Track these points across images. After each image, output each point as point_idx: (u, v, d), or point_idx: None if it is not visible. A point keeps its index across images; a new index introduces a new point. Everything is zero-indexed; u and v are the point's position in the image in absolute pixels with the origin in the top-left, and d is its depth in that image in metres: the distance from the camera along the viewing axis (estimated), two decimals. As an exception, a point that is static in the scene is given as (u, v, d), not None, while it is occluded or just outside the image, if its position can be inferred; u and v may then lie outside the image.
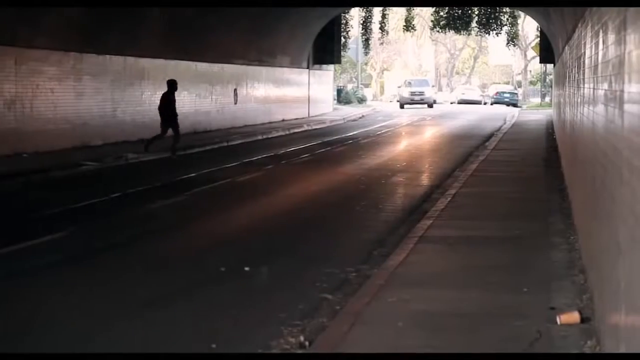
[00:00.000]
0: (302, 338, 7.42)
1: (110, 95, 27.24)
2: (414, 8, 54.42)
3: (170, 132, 24.19)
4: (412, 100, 62.29)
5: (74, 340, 7.60)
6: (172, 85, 24.84)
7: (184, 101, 32.36)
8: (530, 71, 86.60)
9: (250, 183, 19.00)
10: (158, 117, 30.08)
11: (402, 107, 61.73)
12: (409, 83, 65.77)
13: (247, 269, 10.19)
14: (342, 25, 50.13)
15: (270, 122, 39.64)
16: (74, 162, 21.41)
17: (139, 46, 28.52)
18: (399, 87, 67.65)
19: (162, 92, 26.32)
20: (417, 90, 63.43)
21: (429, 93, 63.56)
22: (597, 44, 8.21)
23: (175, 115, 24.44)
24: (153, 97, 29.85)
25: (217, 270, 10.33)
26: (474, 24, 49.65)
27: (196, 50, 32.84)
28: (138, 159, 23.43)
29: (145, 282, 9.78)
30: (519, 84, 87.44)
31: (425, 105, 61.94)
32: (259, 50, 39.05)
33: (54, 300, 8.96)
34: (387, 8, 53.63)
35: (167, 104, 24.45)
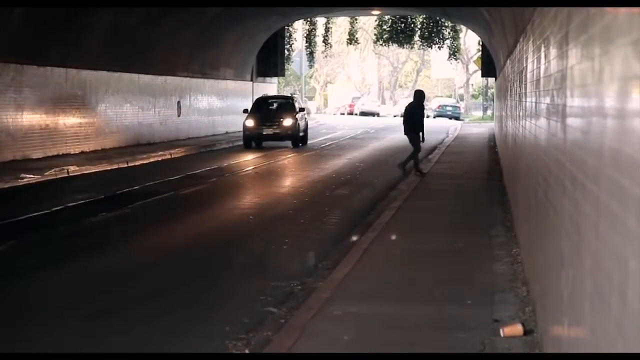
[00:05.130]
0: (247, 352, 7.38)
1: (51, 107, 26.91)
2: (358, 21, 54.68)
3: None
4: (260, 134, 34.55)
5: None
6: (418, 96, 22.95)
7: (127, 113, 32.16)
8: (472, 85, 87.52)
9: (193, 196, 18.88)
10: (100, 130, 29.93)
11: (246, 145, 34.42)
12: (260, 106, 36.53)
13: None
14: (286, 38, 50.20)
15: (214, 135, 39.50)
16: (14, 175, 21.08)
17: (81, 58, 28.25)
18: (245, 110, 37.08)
19: (105, 104, 26.05)
20: (268, 119, 34.97)
21: (289, 122, 34.70)
22: (539, 58, 8.30)
23: (419, 128, 22.32)
24: (96, 109, 29.61)
25: (159, 284, 10.24)
26: (416, 38, 50.06)
27: (139, 63, 32.64)
28: (80, 172, 23.16)
29: (84, 296, 9.65)
30: (461, 98, 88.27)
31: (289, 143, 34.73)
32: (202, 62, 38.94)
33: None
34: (330, 21, 53.85)
35: (412, 115, 22.56)
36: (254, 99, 39.18)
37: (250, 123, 34.42)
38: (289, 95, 39.97)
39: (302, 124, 35.75)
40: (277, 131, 34.47)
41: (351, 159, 28.99)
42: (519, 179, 12.20)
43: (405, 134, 22.70)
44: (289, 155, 30.09)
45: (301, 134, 35.61)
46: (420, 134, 22.39)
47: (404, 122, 22.66)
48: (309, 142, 36.76)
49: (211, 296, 9.74)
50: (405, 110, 23.04)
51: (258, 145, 34.42)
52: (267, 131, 34.41)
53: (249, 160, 28.20)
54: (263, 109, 35.89)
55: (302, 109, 36.28)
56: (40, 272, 10.88)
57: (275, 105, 36.98)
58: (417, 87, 49.23)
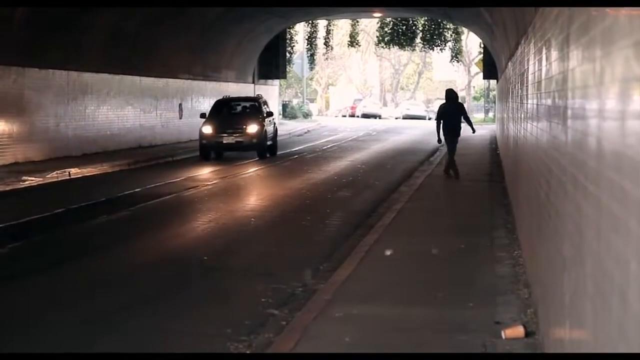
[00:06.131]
0: (247, 353, 7.38)
1: (53, 110, 26.95)
2: (359, 23, 54.67)
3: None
4: (219, 143, 29.14)
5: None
6: (449, 95, 21.83)
7: (129, 116, 32.19)
8: (474, 87, 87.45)
9: (194, 198, 18.88)
10: (102, 132, 29.97)
11: (203, 156, 29.10)
12: (220, 110, 31.24)
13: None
14: (287, 41, 50.25)
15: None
16: (15, 177, 21.11)
17: (82, 60, 28.28)
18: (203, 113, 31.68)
19: (107, 107, 25.97)
20: (229, 126, 29.49)
21: (254, 128, 29.17)
22: (540, 61, 8.30)
23: (455, 130, 21.33)
24: (97, 111, 29.64)
25: (159, 287, 10.24)
26: (418, 40, 50.06)
27: (141, 65, 32.67)
28: (81, 174, 23.18)
29: (83, 300, 9.64)
30: (463, 100, 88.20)
31: (255, 154, 29.51)
32: (204, 65, 38.97)
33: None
34: (331, 23, 53.86)
35: (443, 116, 21.33)
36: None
37: (207, 130, 29.01)
38: (255, 96, 33.66)
39: (270, 130, 30.46)
40: (239, 140, 28.97)
41: (353, 161, 28.98)
42: (520, 180, 12.19)
43: (439, 140, 21.48)
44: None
45: (269, 142, 30.29)
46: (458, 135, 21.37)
47: (438, 126, 21.37)
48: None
49: (212, 298, 9.74)
50: (437, 112, 21.84)
51: (218, 157, 29.63)
52: (227, 140, 29.01)
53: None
54: (223, 113, 30.92)
55: (270, 113, 31.22)
56: None
57: (238, 108, 31.82)
58: (420, 89, 48.75)
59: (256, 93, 45.64)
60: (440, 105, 22.13)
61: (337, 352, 7.12)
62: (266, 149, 29.89)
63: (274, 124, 31.76)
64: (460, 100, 22.05)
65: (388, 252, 11.40)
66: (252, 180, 22.95)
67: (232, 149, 29.45)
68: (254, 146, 29.26)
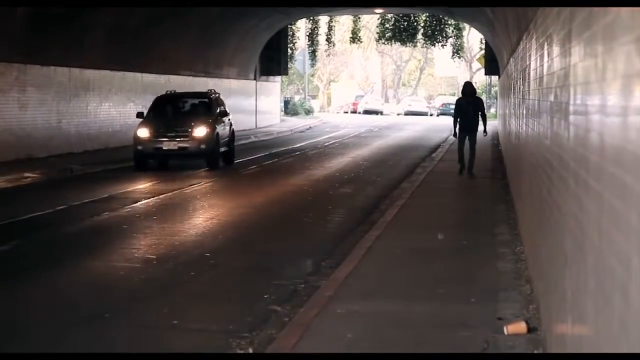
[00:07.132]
0: (250, 350, 7.37)
1: (55, 106, 26.96)
2: (361, 19, 54.65)
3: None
4: (158, 149, 23.55)
5: None
6: (465, 89, 21.26)
7: (130, 112, 32.16)
8: (476, 83, 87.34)
9: (197, 194, 18.88)
10: (104, 129, 29.95)
11: (138, 166, 23.58)
12: (161, 108, 25.48)
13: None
14: (289, 37, 50.23)
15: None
16: (17, 174, 21.11)
17: (83, 57, 28.28)
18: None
19: (108, 103, 25.85)
20: (172, 128, 23.89)
21: (203, 131, 23.58)
22: (542, 56, 8.29)
23: (472, 126, 20.74)
24: (99, 108, 29.66)
25: (160, 282, 10.24)
26: (419, 36, 50.04)
27: (142, 62, 32.66)
28: (83, 171, 23.17)
29: (87, 296, 9.64)
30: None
31: (205, 164, 24.23)
32: (205, 62, 38.95)
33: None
34: (333, 20, 53.84)
35: (459, 111, 20.92)
36: (154, 99, 26.82)
37: (143, 133, 23.38)
38: (207, 91, 27.01)
39: (224, 133, 24.78)
40: (184, 145, 23.43)
41: (355, 157, 28.97)
42: (522, 176, 12.19)
43: (454, 135, 21.19)
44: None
45: (223, 148, 24.56)
46: (481, 130, 20.82)
47: (455, 121, 21.01)
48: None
49: (213, 294, 9.74)
50: (455, 107, 21.43)
51: (163, 166, 24.32)
52: (169, 145, 23.44)
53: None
54: (166, 112, 25.22)
55: (224, 112, 25.46)
56: None
57: (184, 106, 26.12)
58: (422, 85, 48.75)
59: (258, 89, 45.58)
60: (457, 100, 21.86)
61: (339, 348, 7.12)
62: (219, 157, 24.28)
63: (230, 124, 25.90)
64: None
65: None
66: (249, 179, 22.92)
67: (175, 157, 24.18)
68: (201, 153, 23.74)
